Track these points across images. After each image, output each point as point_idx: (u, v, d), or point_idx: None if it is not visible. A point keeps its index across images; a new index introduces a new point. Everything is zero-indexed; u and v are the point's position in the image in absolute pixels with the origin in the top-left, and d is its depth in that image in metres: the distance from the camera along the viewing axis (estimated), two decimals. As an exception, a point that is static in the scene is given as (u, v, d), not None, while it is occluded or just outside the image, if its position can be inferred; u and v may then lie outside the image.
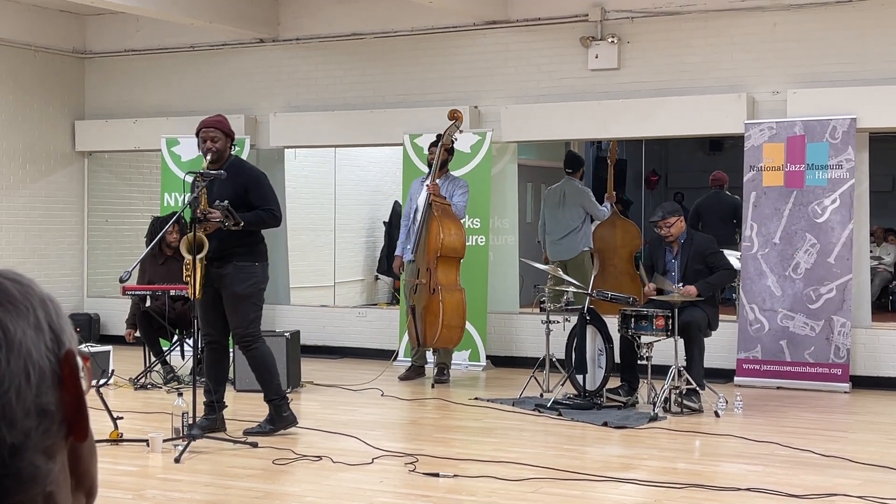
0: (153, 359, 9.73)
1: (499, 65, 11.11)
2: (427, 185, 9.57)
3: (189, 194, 7.10)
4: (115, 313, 12.71)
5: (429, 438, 7.39)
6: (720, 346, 9.63)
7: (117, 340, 11.80)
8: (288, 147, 12.32)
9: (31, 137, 12.76)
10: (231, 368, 9.28)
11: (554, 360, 9.05)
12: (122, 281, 7.04)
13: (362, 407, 8.64)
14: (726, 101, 10.03)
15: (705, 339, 8.48)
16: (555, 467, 6.28)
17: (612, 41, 10.54)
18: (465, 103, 11.04)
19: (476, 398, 8.88)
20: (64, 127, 13.13)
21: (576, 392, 8.52)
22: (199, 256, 7.07)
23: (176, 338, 9.78)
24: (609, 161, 12.48)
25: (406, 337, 10.35)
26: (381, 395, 9.10)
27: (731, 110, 10.00)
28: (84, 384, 1.07)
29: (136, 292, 9.82)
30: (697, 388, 8.19)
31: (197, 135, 7.32)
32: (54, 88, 12.99)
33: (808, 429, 7.79)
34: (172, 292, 9.58)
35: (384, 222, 14.61)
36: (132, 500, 5.73)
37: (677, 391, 8.13)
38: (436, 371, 9.80)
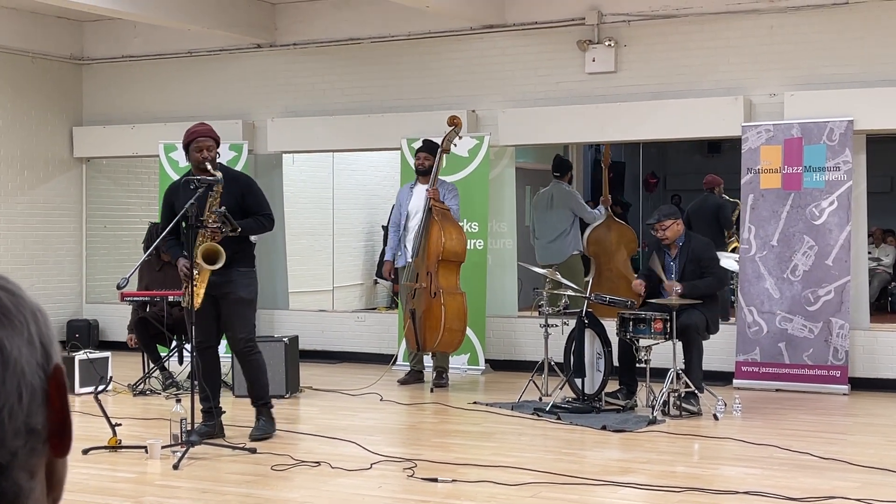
0: (151, 365, 9.72)
1: (496, 69, 11.11)
2: (427, 190, 9.59)
3: (189, 200, 7.08)
4: (114, 319, 12.72)
5: (427, 443, 7.39)
6: (719, 349, 9.63)
7: (116, 346, 11.80)
8: (286, 152, 12.32)
9: (28, 144, 12.76)
10: (230, 374, 9.34)
11: (553, 363, 9.05)
12: (119, 288, 7.05)
13: (361, 412, 8.63)
14: (723, 103, 10.03)
15: (704, 342, 8.48)
16: (553, 471, 6.28)
17: (609, 45, 10.55)
18: (463, 107, 11.04)
19: (475, 402, 8.88)
20: (62, 133, 13.13)
21: (574, 396, 8.52)
22: (216, 266, 7.09)
23: (174, 344, 9.77)
24: (603, 164, 12.51)
25: (404, 341, 10.34)
26: (380, 399, 9.10)
27: (729, 113, 10.01)
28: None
29: (135, 298, 9.82)
30: (696, 391, 8.20)
31: (187, 145, 7.28)
32: (52, 95, 13.00)
33: (807, 431, 7.79)
34: (171, 298, 9.57)
35: (382, 226, 14.60)
36: (131, 507, 5.73)
37: (676, 394, 8.14)
38: (434, 374, 9.80)
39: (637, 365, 8.35)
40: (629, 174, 18.48)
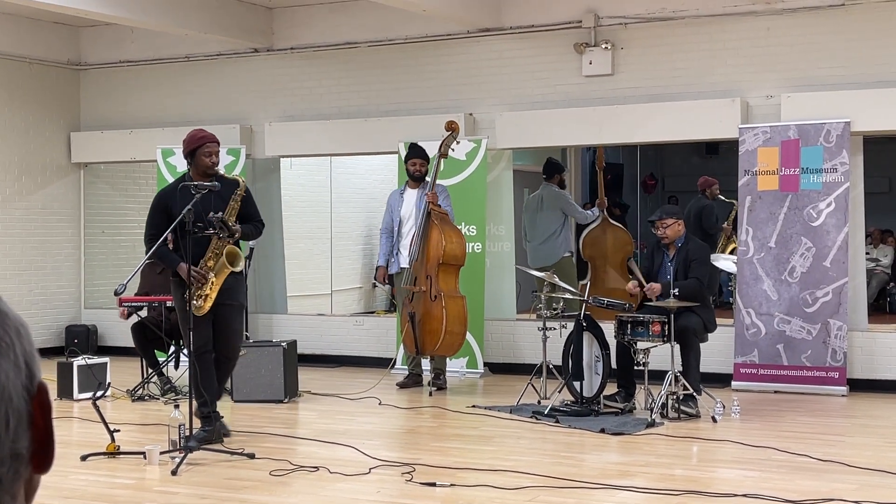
0: (150, 370, 9.71)
1: (493, 72, 11.12)
2: (427, 195, 9.62)
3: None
4: (113, 325, 12.71)
5: (426, 447, 7.39)
6: (717, 351, 9.64)
7: (115, 352, 11.82)
8: (283, 156, 12.33)
9: (26, 149, 12.77)
10: (229, 379, 9.33)
11: (551, 366, 9.06)
12: (117, 294, 7.05)
13: (360, 416, 8.63)
14: (720, 105, 10.04)
15: (702, 344, 8.48)
16: (552, 475, 6.28)
17: (606, 47, 10.56)
18: (460, 111, 11.05)
19: (473, 406, 8.88)
20: (59, 138, 13.13)
21: (573, 399, 8.52)
22: (238, 268, 7.22)
23: (172, 349, 9.77)
24: (598, 167, 12.53)
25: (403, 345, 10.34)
26: (379, 403, 9.10)
27: (726, 115, 10.02)
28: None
29: (133, 304, 9.82)
30: (694, 394, 8.20)
31: (195, 150, 7.30)
32: (49, 100, 13.00)
33: (806, 433, 7.79)
34: (169, 303, 9.57)
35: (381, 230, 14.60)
36: (129, 514, 5.73)
37: (674, 397, 8.14)
38: (432, 376, 9.81)
39: (635, 367, 8.35)
40: (627, 176, 18.49)
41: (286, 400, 9.17)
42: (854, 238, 9.68)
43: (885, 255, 16.17)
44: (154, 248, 7.08)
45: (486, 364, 10.74)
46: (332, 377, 10.79)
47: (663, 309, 8.16)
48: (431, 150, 10.01)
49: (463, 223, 10.41)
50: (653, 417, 7.93)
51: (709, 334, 8.58)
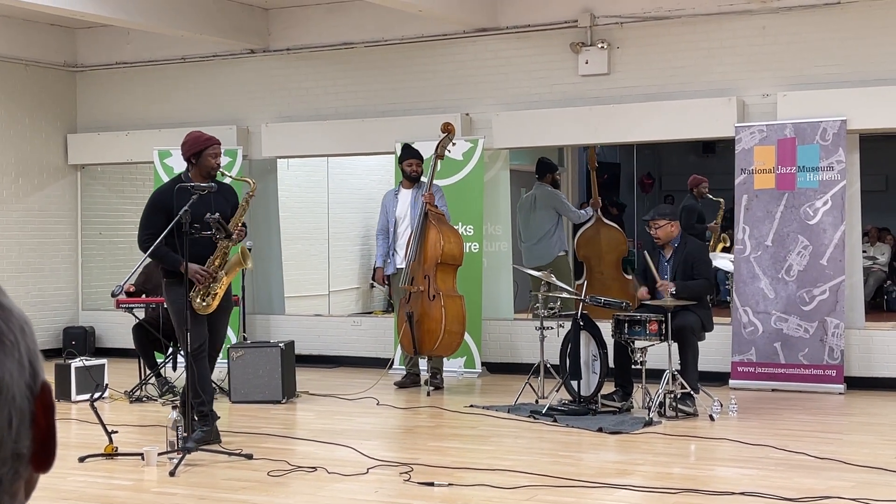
0: (148, 371, 9.71)
1: (489, 72, 11.12)
2: (423, 195, 9.64)
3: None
4: (111, 326, 12.72)
5: (424, 447, 7.39)
6: (714, 350, 9.65)
7: (113, 353, 11.82)
8: (280, 157, 12.33)
9: (23, 151, 12.76)
10: (226, 380, 9.34)
11: (549, 366, 9.06)
12: (114, 295, 7.07)
13: (358, 416, 8.64)
14: (716, 104, 10.05)
15: (699, 343, 8.49)
16: (550, 474, 6.29)
17: (602, 47, 10.56)
18: (457, 111, 11.06)
19: (471, 405, 8.88)
20: (56, 140, 13.13)
21: (571, 398, 8.53)
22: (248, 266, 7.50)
23: (171, 350, 9.77)
24: (590, 168, 12.56)
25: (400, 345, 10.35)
26: (377, 404, 9.10)
27: (722, 114, 10.02)
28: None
29: (131, 305, 9.82)
30: (692, 392, 8.20)
31: (200, 151, 7.34)
32: (46, 102, 13.00)
33: (803, 431, 7.80)
34: (166, 304, 9.56)
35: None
36: (127, 515, 5.73)
37: (672, 395, 8.14)
38: (429, 375, 9.82)
39: (633, 366, 8.36)
40: (624, 175, 18.52)
41: (284, 400, 9.17)
42: (851, 236, 9.69)
43: (881, 253, 16.19)
44: (153, 247, 7.08)
45: (483, 364, 10.74)
46: (329, 377, 10.79)
47: (661, 308, 8.16)
48: (428, 150, 10.02)
49: (460, 223, 10.42)
50: (650, 416, 7.94)
51: (706, 333, 8.59)
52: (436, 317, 9.49)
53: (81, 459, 6.86)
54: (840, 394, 9.33)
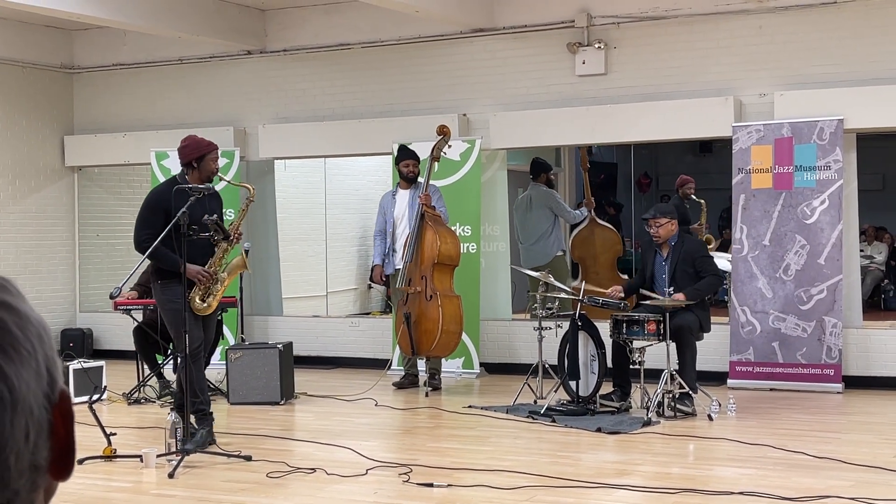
0: (146, 373, 9.71)
1: (486, 72, 11.13)
2: (420, 196, 9.65)
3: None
4: (109, 328, 12.72)
5: (423, 448, 7.39)
6: (712, 349, 9.65)
7: (110, 355, 11.80)
8: (277, 158, 12.32)
9: (20, 153, 12.76)
10: (224, 382, 9.34)
11: (547, 366, 9.07)
12: (112, 297, 7.07)
13: (356, 417, 8.64)
14: (713, 104, 10.06)
15: (697, 343, 8.49)
16: (549, 474, 6.29)
17: (599, 47, 10.57)
18: (454, 111, 11.06)
19: (470, 406, 8.88)
20: (53, 142, 13.12)
21: (569, 398, 8.53)
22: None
23: (170, 351, 9.76)
24: (582, 169, 12.57)
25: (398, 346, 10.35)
26: (375, 405, 9.10)
27: (719, 113, 10.03)
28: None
29: (129, 307, 9.81)
30: (690, 392, 8.21)
31: (202, 156, 7.38)
32: (43, 104, 12.99)
33: (801, 430, 7.81)
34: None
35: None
36: (126, 517, 5.73)
37: (670, 395, 8.15)
38: (428, 376, 9.82)
39: (631, 366, 8.36)
40: (621, 175, 18.51)
41: (283, 402, 9.17)
42: (848, 235, 9.70)
43: (879, 252, 16.20)
44: (152, 248, 7.07)
45: (481, 364, 10.74)
46: (328, 379, 10.79)
47: (659, 308, 8.17)
48: (425, 151, 10.03)
49: (458, 224, 10.42)
50: (649, 416, 7.95)
51: (703, 334, 8.59)
52: (433, 317, 9.49)
53: (80, 461, 6.84)
54: (838, 393, 9.34)
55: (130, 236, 7.58)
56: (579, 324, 8.47)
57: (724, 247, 13.73)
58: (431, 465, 6.63)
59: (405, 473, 6.39)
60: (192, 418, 7.10)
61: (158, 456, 6.82)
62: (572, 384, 8.45)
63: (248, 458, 6.89)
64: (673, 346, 8.21)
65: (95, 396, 7.77)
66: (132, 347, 9.80)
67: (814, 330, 9.50)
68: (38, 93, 12.93)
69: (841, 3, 9.71)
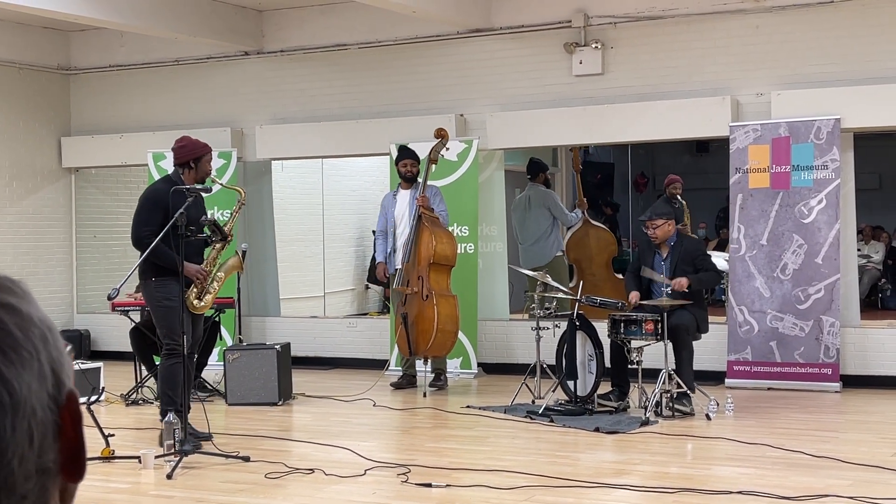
0: (144, 374, 9.70)
1: (483, 72, 11.13)
2: (417, 198, 9.66)
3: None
4: (106, 329, 12.70)
5: (421, 448, 7.39)
6: (710, 349, 9.65)
7: (108, 356, 11.79)
8: (275, 159, 12.32)
9: (17, 154, 12.75)
10: (222, 383, 9.34)
11: (545, 366, 9.07)
12: (110, 298, 7.07)
13: (354, 418, 8.63)
14: (711, 104, 10.06)
15: (695, 342, 8.50)
16: (547, 474, 6.29)
17: (596, 47, 10.57)
18: (451, 111, 11.06)
19: (468, 406, 8.88)
20: (50, 143, 13.11)
21: (567, 398, 8.53)
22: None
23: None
24: (574, 170, 12.57)
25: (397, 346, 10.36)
26: (373, 405, 9.10)
27: (716, 113, 10.03)
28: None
29: (126, 308, 9.80)
30: (688, 392, 8.21)
31: (199, 157, 7.46)
32: (40, 105, 12.98)
33: (799, 429, 7.81)
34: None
35: (373, 231, 14.60)
36: (125, 518, 5.72)
37: (668, 395, 8.15)
38: (433, 377, 9.83)
39: (629, 366, 8.36)
40: (618, 175, 18.53)
41: (280, 402, 9.16)
42: (845, 235, 9.70)
43: (876, 252, 16.22)
44: (152, 246, 7.07)
45: (479, 364, 10.74)
46: (326, 379, 10.79)
47: (656, 307, 8.17)
48: (422, 151, 10.04)
49: (455, 224, 10.42)
50: (647, 416, 7.95)
51: (701, 335, 8.59)
52: (428, 317, 9.50)
53: (78, 463, 6.83)
54: (836, 392, 9.34)
55: (128, 237, 7.58)
56: (577, 323, 8.47)
57: (722, 246, 13.76)
58: (430, 465, 6.63)
59: (403, 474, 6.39)
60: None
61: (157, 457, 6.81)
62: (570, 384, 8.45)
63: (247, 459, 6.88)
64: (670, 345, 8.21)
65: (93, 398, 7.77)
66: (130, 348, 9.79)
67: (811, 329, 9.51)
68: (34, 94, 12.92)
69: (838, 2, 9.72)
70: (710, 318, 8.79)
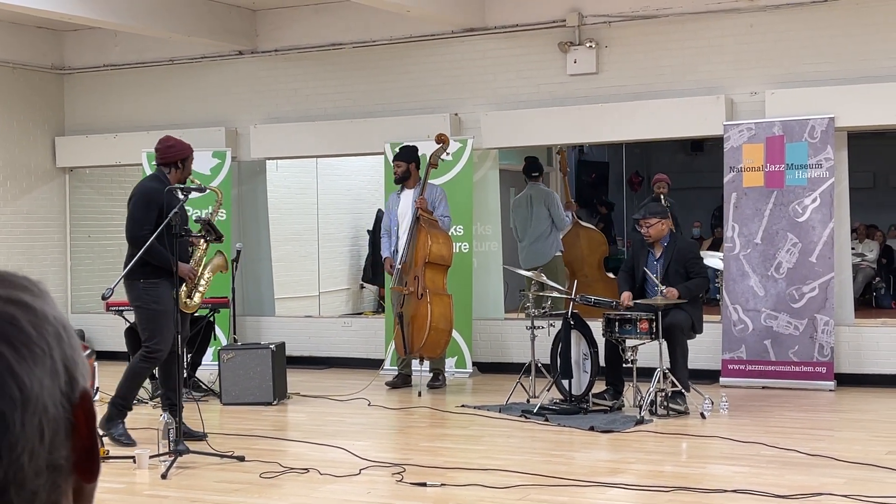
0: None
1: (478, 72, 11.13)
2: (416, 200, 9.66)
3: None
4: (100, 329, 12.68)
5: (416, 448, 7.40)
6: (705, 348, 9.67)
7: (102, 356, 11.77)
8: (269, 158, 12.31)
9: (11, 154, 12.73)
10: (217, 382, 9.33)
11: (539, 365, 9.07)
12: (104, 298, 7.07)
13: (349, 417, 8.63)
14: (705, 102, 10.07)
15: (689, 341, 8.50)
16: (542, 473, 6.29)
17: (591, 46, 10.57)
18: (445, 111, 11.06)
19: (463, 405, 8.89)
20: (44, 143, 13.10)
21: (562, 397, 8.54)
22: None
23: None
24: (561, 172, 12.57)
25: (392, 345, 10.36)
26: (368, 404, 9.10)
27: (710, 112, 10.04)
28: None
29: (121, 308, 9.79)
30: (683, 390, 8.22)
31: (185, 158, 7.53)
32: (34, 105, 12.97)
33: (794, 428, 7.82)
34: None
35: (368, 231, 14.61)
36: (119, 518, 5.72)
37: (663, 394, 8.16)
38: (431, 377, 9.83)
39: (623, 365, 8.37)
40: (613, 174, 18.53)
41: (275, 402, 9.16)
42: (839, 233, 9.72)
43: (870, 250, 16.24)
44: (147, 245, 7.07)
45: (474, 363, 10.74)
46: (320, 379, 10.78)
47: (651, 306, 8.17)
48: (420, 150, 10.04)
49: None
50: (642, 415, 7.95)
51: (696, 334, 8.60)
52: (423, 315, 9.50)
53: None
54: (830, 391, 9.36)
55: (122, 237, 7.57)
56: (572, 323, 8.47)
57: (717, 245, 13.76)
58: (425, 464, 6.63)
59: (398, 473, 6.39)
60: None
61: (151, 457, 6.81)
62: (565, 383, 8.45)
63: (241, 459, 6.88)
64: (665, 344, 8.22)
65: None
66: (124, 348, 9.79)
67: (806, 328, 9.52)
68: (28, 94, 12.91)
69: (832, 1, 9.73)
70: (705, 317, 8.79)
